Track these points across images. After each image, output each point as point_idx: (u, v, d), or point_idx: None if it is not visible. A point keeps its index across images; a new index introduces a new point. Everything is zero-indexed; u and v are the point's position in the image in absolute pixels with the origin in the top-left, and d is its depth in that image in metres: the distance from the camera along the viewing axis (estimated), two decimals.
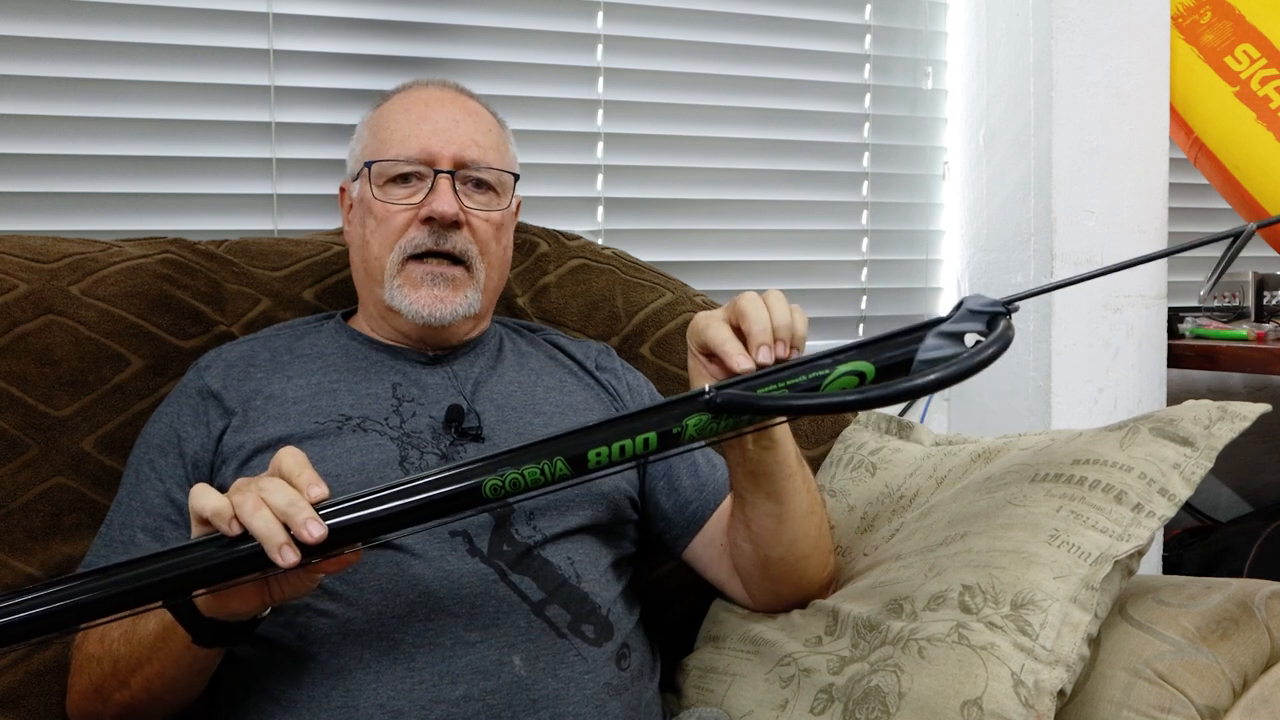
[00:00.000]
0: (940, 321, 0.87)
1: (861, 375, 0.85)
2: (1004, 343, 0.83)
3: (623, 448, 0.83)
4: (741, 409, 0.83)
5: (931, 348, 0.84)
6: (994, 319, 0.86)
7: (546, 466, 0.83)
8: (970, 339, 0.85)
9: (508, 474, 0.83)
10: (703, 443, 0.87)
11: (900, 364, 0.86)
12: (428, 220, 1.15)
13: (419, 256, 1.16)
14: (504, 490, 0.83)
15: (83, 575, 0.83)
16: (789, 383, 0.85)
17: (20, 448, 1.15)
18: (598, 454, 0.83)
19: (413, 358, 1.20)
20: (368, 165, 1.17)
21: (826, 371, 0.85)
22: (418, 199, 1.16)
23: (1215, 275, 1.07)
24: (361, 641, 1.00)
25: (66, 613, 0.81)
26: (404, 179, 1.17)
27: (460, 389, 1.17)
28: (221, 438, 1.12)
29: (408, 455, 1.09)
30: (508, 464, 0.84)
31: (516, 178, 1.23)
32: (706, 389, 0.84)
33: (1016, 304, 0.88)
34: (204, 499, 0.84)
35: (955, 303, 0.89)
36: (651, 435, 0.84)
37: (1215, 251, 2.23)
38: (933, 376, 0.78)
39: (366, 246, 1.18)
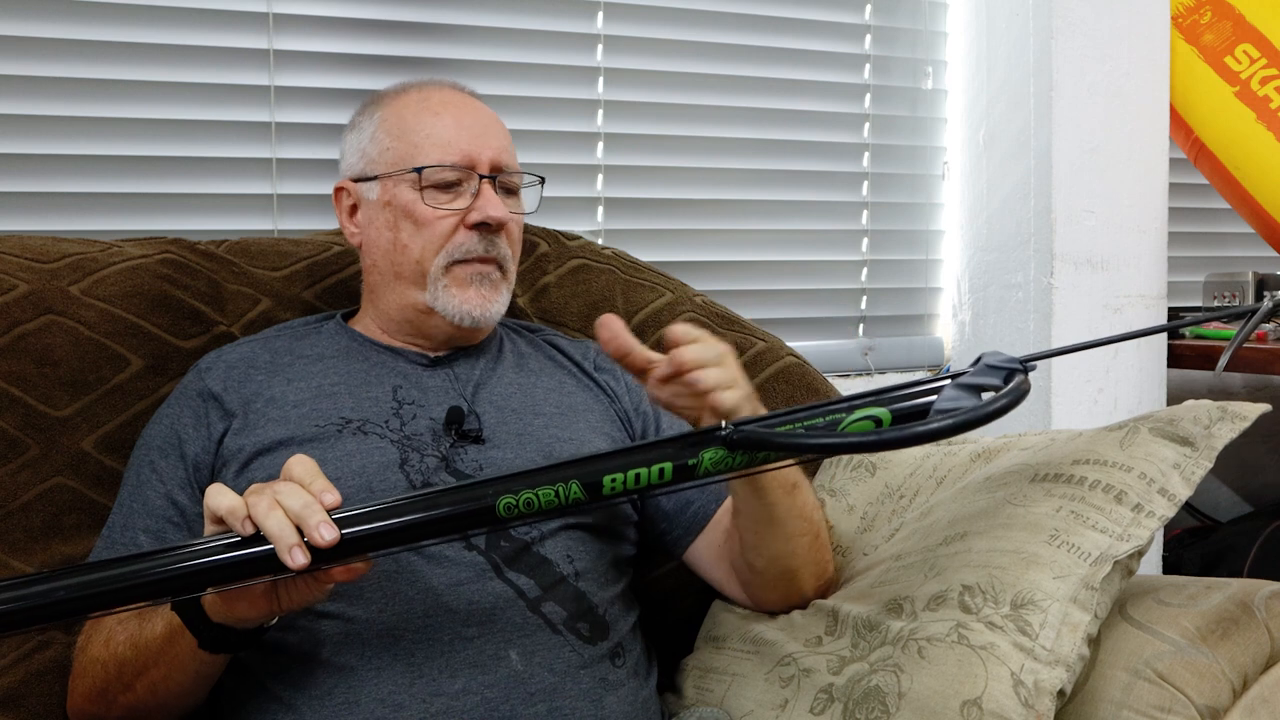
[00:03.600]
0: (959, 375, 0.89)
1: (878, 421, 0.86)
2: (1018, 395, 0.86)
3: (638, 476, 0.85)
4: (758, 446, 0.84)
5: (949, 399, 0.86)
6: (1010, 375, 0.88)
7: (561, 489, 0.84)
8: (987, 394, 0.88)
9: (522, 494, 0.84)
10: (717, 478, 0.88)
11: (917, 413, 0.87)
12: (475, 226, 1.16)
13: (464, 261, 1.17)
14: (518, 509, 0.84)
15: (92, 565, 0.83)
16: (805, 424, 0.86)
17: (20, 448, 1.15)
18: (613, 480, 0.85)
19: (413, 359, 1.20)
20: (417, 171, 1.16)
21: (843, 415, 0.86)
22: (459, 204, 1.17)
23: (1232, 348, 1.08)
24: (362, 638, 1.00)
25: (73, 602, 0.81)
26: (446, 185, 1.17)
27: (460, 391, 1.17)
28: (222, 440, 1.12)
29: (408, 458, 1.09)
30: (523, 483, 0.85)
31: (543, 181, 1.26)
32: (724, 425, 0.85)
33: (1034, 364, 0.90)
34: (219, 498, 0.85)
35: (974, 358, 0.92)
36: (667, 466, 0.85)
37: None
38: (948, 422, 0.81)
39: (404, 250, 1.17)
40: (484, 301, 1.17)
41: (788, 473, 1.09)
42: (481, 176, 1.17)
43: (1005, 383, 0.87)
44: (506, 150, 1.21)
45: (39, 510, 1.15)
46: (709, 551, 1.21)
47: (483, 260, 1.17)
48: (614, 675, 1.06)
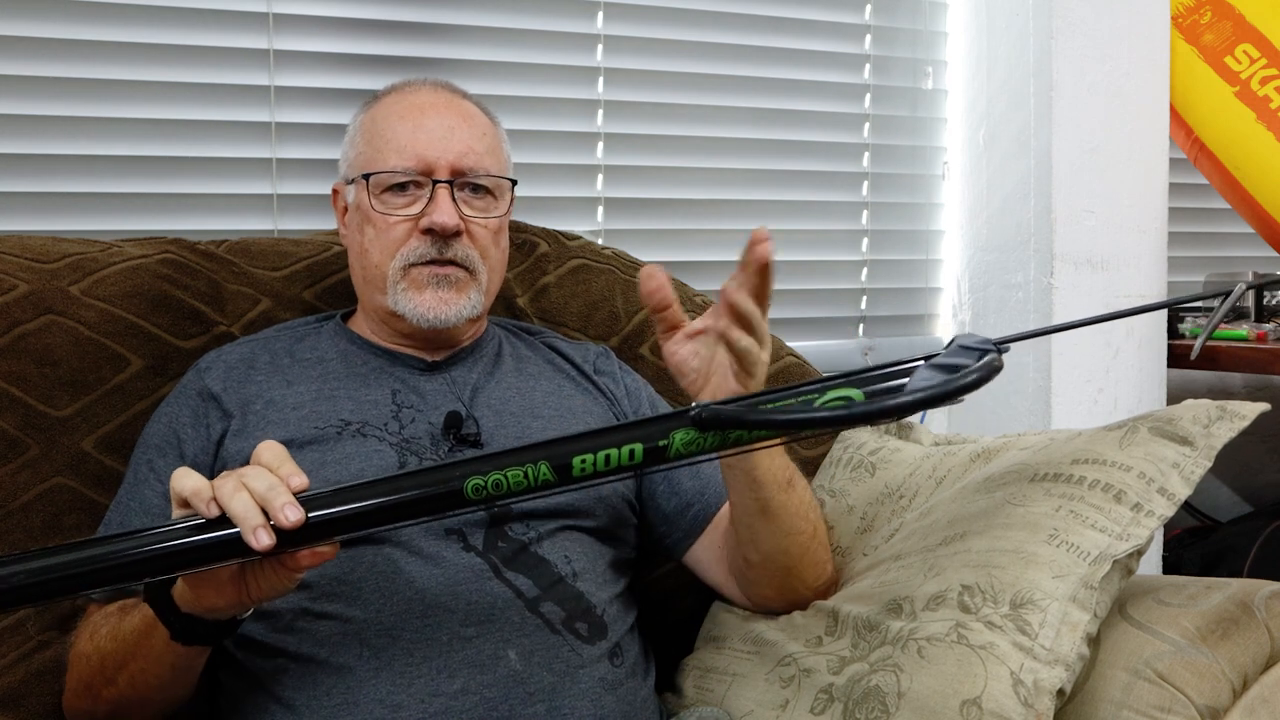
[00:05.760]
0: (932, 357, 0.89)
1: (850, 401, 0.86)
2: (989, 371, 0.85)
3: (608, 457, 0.83)
4: (728, 425, 0.83)
5: (922, 379, 0.85)
6: (983, 355, 0.88)
7: (530, 470, 0.83)
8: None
9: (490, 475, 0.83)
10: (697, 458, 0.87)
11: (889, 392, 0.87)
12: (427, 231, 1.15)
13: (421, 264, 1.16)
14: (486, 491, 0.83)
15: (54, 549, 0.81)
16: (778, 404, 0.86)
17: (20, 448, 1.15)
18: (582, 462, 0.83)
19: (412, 363, 1.19)
20: (365, 177, 1.17)
21: (815, 395, 0.86)
22: (415, 208, 1.15)
23: (1207, 332, 1.09)
24: (361, 639, 1.01)
25: (32, 587, 0.79)
26: (401, 188, 1.16)
27: (459, 395, 1.17)
28: (221, 441, 1.12)
29: (407, 461, 1.09)
30: (491, 465, 0.83)
31: (514, 183, 1.23)
32: (693, 406, 0.84)
33: (1008, 345, 0.90)
34: (184, 480, 0.84)
35: (949, 339, 0.92)
36: (638, 447, 0.84)
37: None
38: (920, 395, 0.80)
39: (366, 254, 1.18)
40: (441, 304, 1.15)
41: (783, 469, 1.09)
42: (437, 181, 1.15)
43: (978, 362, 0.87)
44: (473, 153, 1.18)
45: (39, 510, 1.15)
46: (709, 554, 1.20)
47: (437, 263, 1.15)
48: (613, 675, 1.06)
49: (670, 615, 1.30)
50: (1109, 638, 1.01)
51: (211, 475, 1.08)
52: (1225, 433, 1.06)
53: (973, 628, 0.98)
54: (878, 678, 1.01)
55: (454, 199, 1.15)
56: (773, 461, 1.07)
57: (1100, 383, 1.80)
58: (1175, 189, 1.92)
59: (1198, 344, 1.10)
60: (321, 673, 1.00)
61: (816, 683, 1.06)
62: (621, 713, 1.05)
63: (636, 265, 1.50)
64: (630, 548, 1.19)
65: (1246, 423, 1.07)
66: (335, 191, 1.26)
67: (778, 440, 0.98)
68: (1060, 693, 0.95)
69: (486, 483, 0.83)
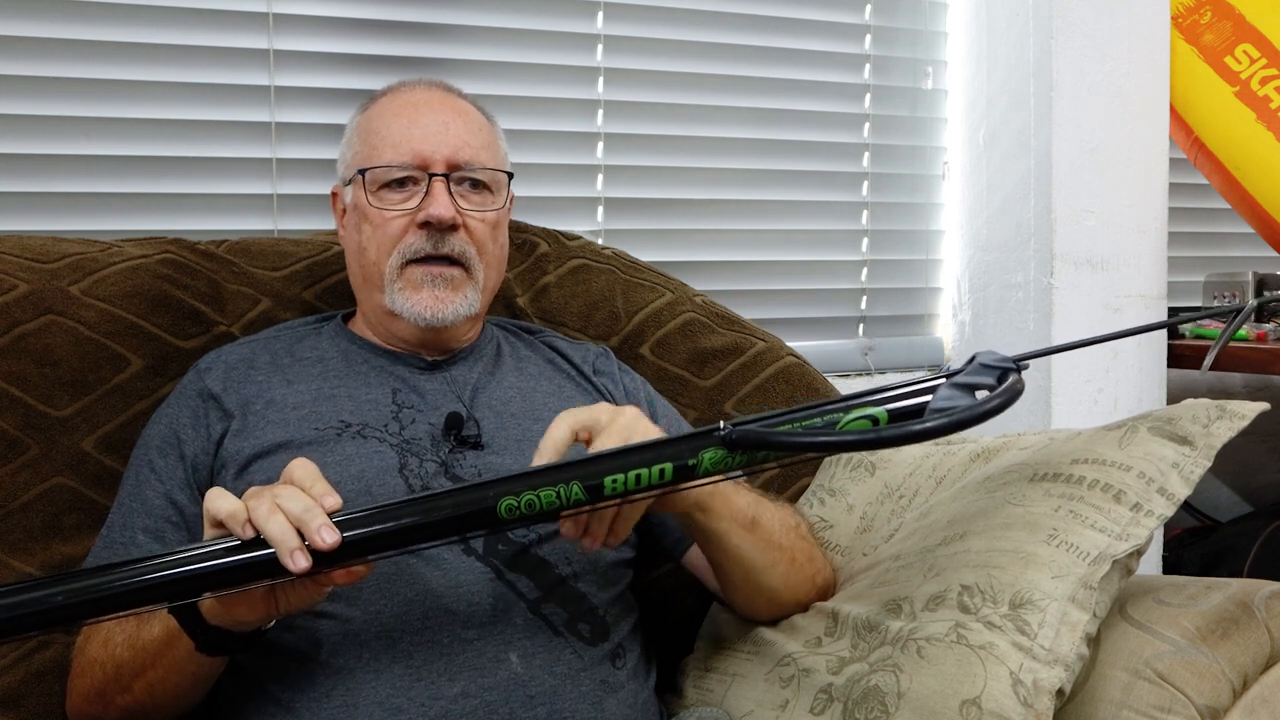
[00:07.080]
0: (954, 374, 0.90)
1: (875, 420, 0.87)
2: (1012, 395, 0.87)
3: (638, 476, 0.85)
4: (757, 445, 0.85)
5: (944, 398, 0.87)
6: (1004, 374, 0.88)
7: (563, 490, 0.84)
8: (981, 393, 0.89)
9: (524, 495, 0.84)
10: (718, 478, 0.88)
11: (912, 413, 0.88)
12: (424, 225, 1.15)
13: (418, 260, 1.16)
14: (519, 511, 0.84)
15: (90, 571, 0.83)
16: (804, 423, 0.86)
17: (20, 448, 1.15)
18: (614, 481, 0.84)
19: (412, 363, 1.19)
20: (361, 173, 1.17)
21: (840, 415, 0.87)
22: (413, 203, 1.15)
23: (1217, 347, 1.09)
24: (361, 641, 1.00)
25: (73, 607, 0.81)
26: (398, 184, 1.16)
27: (459, 395, 1.17)
28: (221, 442, 1.12)
29: (407, 462, 1.09)
30: (524, 485, 0.85)
31: (511, 176, 1.23)
32: (723, 425, 0.85)
33: (1027, 363, 0.91)
34: (219, 501, 0.85)
35: (968, 357, 0.93)
36: (668, 466, 0.85)
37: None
38: (943, 421, 0.82)
39: (364, 252, 1.18)
40: (437, 303, 1.15)
41: (745, 510, 1.09)
42: (432, 175, 1.15)
43: (999, 382, 0.88)
44: (469, 147, 1.17)
45: (39, 510, 1.15)
46: (704, 560, 1.20)
47: (434, 259, 1.15)
48: (614, 677, 1.06)
49: (670, 615, 1.30)
50: (1109, 638, 1.01)
51: (211, 476, 1.10)
52: (1225, 432, 1.06)
53: (972, 628, 0.98)
54: (877, 678, 1.01)
55: (450, 193, 1.16)
56: (730, 505, 1.06)
57: (1100, 383, 1.80)
58: (1175, 189, 1.92)
59: (1208, 359, 1.11)
60: (321, 674, 1.00)
61: (816, 683, 1.06)
62: (623, 716, 1.05)
63: (637, 265, 1.50)
64: (630, 548, 1.19)
65: (1246, 422, 1.07)
66: (334, 194, 1.26)
67: (801, 458, 0.98)
68: (1060, 693, 0.95)
69: (520, 503, 0.84)
